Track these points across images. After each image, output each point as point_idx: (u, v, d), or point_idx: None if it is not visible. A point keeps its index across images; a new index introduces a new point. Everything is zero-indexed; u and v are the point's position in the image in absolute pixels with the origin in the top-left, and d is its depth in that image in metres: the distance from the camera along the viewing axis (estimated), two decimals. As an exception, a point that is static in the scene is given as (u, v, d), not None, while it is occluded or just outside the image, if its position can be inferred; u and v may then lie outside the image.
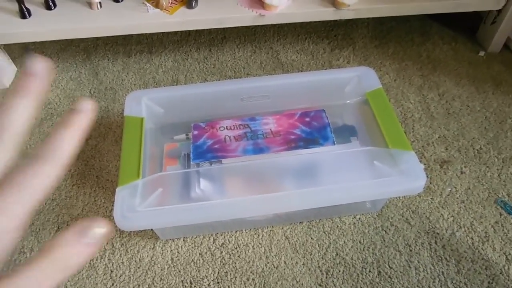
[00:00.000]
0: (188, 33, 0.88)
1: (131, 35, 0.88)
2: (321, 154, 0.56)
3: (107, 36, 0.81)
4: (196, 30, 0.88)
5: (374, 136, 0.57)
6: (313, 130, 0.58)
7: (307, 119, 0.60)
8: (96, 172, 0.67)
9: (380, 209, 0.61)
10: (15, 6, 0.73)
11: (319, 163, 0.56)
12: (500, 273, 0.55)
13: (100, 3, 0.75)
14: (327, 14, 0.74)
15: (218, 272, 0.55)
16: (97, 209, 0.62)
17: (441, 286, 0.54)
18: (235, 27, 0.85)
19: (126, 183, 0.50)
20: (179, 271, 0.56)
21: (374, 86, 0.61)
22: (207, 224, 0.57)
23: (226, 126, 0.59)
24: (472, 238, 0.58)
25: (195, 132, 0.59)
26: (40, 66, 0.23)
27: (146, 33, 0.87)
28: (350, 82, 0.63)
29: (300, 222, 0.60)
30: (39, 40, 0.74)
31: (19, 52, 0.85)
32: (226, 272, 0.55)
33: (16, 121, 0.21)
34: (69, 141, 0.22)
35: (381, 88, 0.61)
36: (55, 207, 0.63)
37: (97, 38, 0.87)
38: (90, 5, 0.75)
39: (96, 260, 0.57)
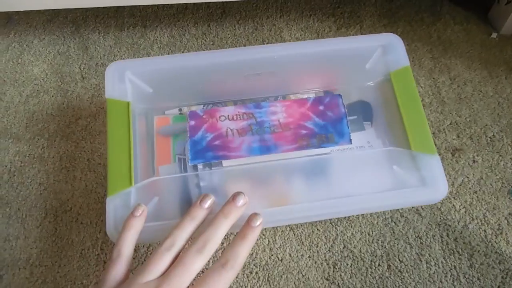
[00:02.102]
0: (185, 7, 0.82)
1: (124, 7, 0.82)
2: (335, 154, 0.51)
3: (98, 8, 0.75)
4: (194, 3, 0.83)
5: (395, 131, 0.51)
6: (327, 123, 0.52)
7: (321, 108, 0.53)
8: (87, 155, 0.62)
9: None
10: (-4, -29, 0.66)
11: (332, 166, 0.50)
12: (514, 267, 0.52)
13: (90, -30, 0.68)
14: (336, -11, 0.69)
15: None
16: (88, 195, 0.58)
17: (453, 281, 0.51)
18: (235, 1, 0.80)
19: (117, 191, 0.44)
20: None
21: (400, 63, 0.52)
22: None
23: (228, 116, 0.52)
24: (485, 231, 0.55)
25: (192, 123, 0.52)
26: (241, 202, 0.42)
27: (140, 5, 0.81)
28: (373, 54, 0.54)
29: (306, 212, 0.56)
30: (23, 9, 0.68)
31: (2, 22, 0.79)
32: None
33: (220, 238, 0.37)
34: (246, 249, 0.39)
35: (408, 66, 0.52)
36: (42, 192, 0.58)
37: (87, 9, 0.81)
38: (79, -28, 0.68)
39: (88, 250, 0.53)
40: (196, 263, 0.36)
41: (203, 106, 0.55)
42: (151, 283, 0.35)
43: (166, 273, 0.36)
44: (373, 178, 0.49)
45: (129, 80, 0.51)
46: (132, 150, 0.47)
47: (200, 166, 0.50)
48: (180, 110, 0.55)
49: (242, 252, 0.38)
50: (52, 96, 0.69)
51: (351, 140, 0.51)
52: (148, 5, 0.81)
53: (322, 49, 0.54)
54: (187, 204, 0.47)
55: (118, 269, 0.37)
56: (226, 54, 0.54)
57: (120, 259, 0.38)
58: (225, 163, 0.50)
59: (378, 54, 0.54)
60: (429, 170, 0.46)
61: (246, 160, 0.50)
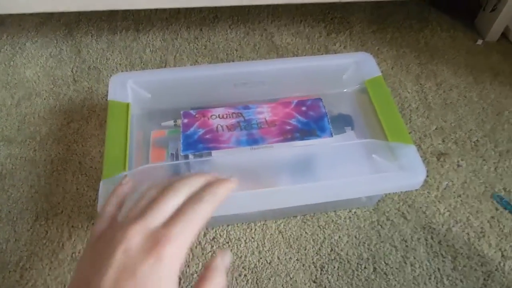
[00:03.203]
0: (177, 11, 0.83)
1: (117, 11, 0.82)
2: (318, 146, 0.54)
3: (91, 11, 0.75)
4: (186, 8, 0.83)
5: (372, 127, 0.55)
6: (309, 121, 0.56)
7: (304, 109, 0.57)
8: (79, 158, 0.63)
9: (376, 203, 0.59)
10: (-11, -25, 0.67)
11: (315, 156, 0.54)
12: (496, 269, 0.54)
13: (82, -26, 0.69)
14: (326, -5, 0.70)
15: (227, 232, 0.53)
16: (80, 198, 0.59)
17: (437, 283, 0.53)
18: (227, 6, 0.81)
19: (111, 175, 0.46)
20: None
21: (373, 73, 0.58)
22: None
23: (218, 115, 0.56)
24: (468, 234, 0.57)
25: (185, 121, 0.55)
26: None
27: (133, 9, 0.82)
28: (349, 69, 0.60)
29: (294, 216, 0.58)
30: (16, 12, 0.69)
31: (-6, 25, 0.79)
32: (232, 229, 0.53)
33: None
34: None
35: (380, 76, 0.58)
36: (33, 195, 0.59)
37: (80, 13, 0.82)
38: (71, -24, 0.69)
39: (79, 253, 0.54)
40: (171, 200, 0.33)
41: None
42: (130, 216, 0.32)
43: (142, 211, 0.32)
44: (355, 166, 0.52)
45: (130, 87, 0.56)
46: (129, 141, 0.50)
47: (191, 157, 0.53)
48: (175, 121, 0.57)
49: (220, 191, 0.35)
50: (44, 99, 0.69)
51: (332, 134, 0.54)
52: (141, 9, 0.81)
53: (305, 65, 0.60)
54: None
55: (103, 221, 0.35)
56: (217, 67, 0.62)
57: (104, 215, 0.35)
58: (214, 153, 0.53)
59: (353, 68, 0.60)
60: (407, 158, 0.49)
61: (234, 150, 0.53)
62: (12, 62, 0.74)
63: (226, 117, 0.56)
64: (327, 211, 0.58)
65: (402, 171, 0.48)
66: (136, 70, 0.74)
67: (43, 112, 0.68)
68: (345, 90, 0.61)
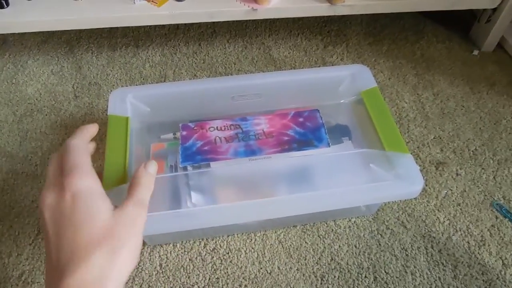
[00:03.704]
0: (176, 27, 0.85)
1: (117, 28, 0.84)
2: (315, 156, 0.54)
3: (91, 28, 0.77)
4: (185, 23, 0.85)
5: (369, 137, 0.55)
6: (307, 131, 0.56)
7: (301, 120, 0.57)
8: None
9: (375, 212, 0.59)
10: (-8, -5, 0.69)
11: (313, 166, 0.54)
12: (497, 278, 0.54)
13: (84, -7, 0.71)
14: (322, 9, 0.71)
15: (209, 278, 0.53)
16: (81, 212, 0.59)
17: (438, 292, 0.53)
18: (225, 21, 0.82)
19: (111, 187, 0.46)
20: (168, 278, 0.53)
21: (369, 85, 0.59)
22: (197, 229, 0.54)
23: (217, 127, 0.56)
24: (468, 242, 0.57)
25: (184, 133, 0.56)
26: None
27: (132, 26, 0.84)
28: (344, 80, 0.61)
29: (293, 226, 0.58)
30: (18, 31, 0.70)
31: (-3, 43, 0.81)
32: (218, 278, 0.53)
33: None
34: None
35: (376, 87, 0.58)
36: (35, 209, 0.59)
37: (80, 30, 0.83)
38: (73, -5, 0.71)
39: (80, 266, 0.54)
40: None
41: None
42: None
43: None
44: (352, 176, 0.52)
45: (130, 102, 0.56)
46: (128, 154, 0.50)
47: (190, 168, 0.53)
48: (174, 134, 0.58)
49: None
50: (46, 115, 0.70)
51: (329, 143, 0.55)
52: (141, 26, 0.83)
53: (301, 77, 0.61)
54: (176, 201, 0.51)
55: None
56: (215, 80, 0.64)
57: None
58: (213, 165, 0.53)
59: (349, 79, 0.60)
60: (404, 167, 0.49)
61: (232, 162, 0.53)
62: (14, 80, 0.76)
63: (224, 129, 0.56)
64: (326, 220, 0.58)
65: (399, 180, 0.48)
66: (136, 85, 0.75)
67: (45, 128, 0.68)
68: (341, 101, 0.61)
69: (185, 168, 0.53)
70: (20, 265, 0.55)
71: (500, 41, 0.82)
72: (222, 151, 0.54)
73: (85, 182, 0.37)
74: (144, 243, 0.55)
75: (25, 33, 0.81)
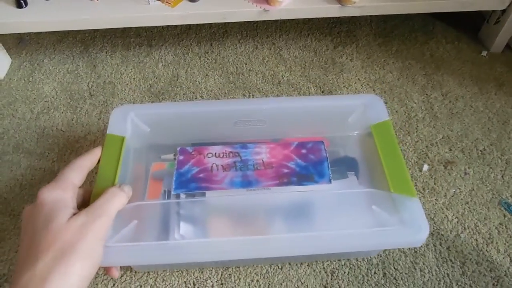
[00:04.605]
0: (189, 27, 0.86)
1: (130, 28, 0.86)
2: (316, 192, 0.52)
3: (106, 28, 0.79)
4: (197, 24, 0.87)
5: (376, 175, 0.52)
6: (308, 164, 0.53)
7: (304, 151, 0.55)
8: (95, 168, 0.65)
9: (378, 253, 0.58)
10: (11, -5, 0.71)
11: (312, 203, 0.51)
12: (505, 275, 0.55)
13: (99, -6, 0.72)
14: (333, 10, 0.73)
15: (222, 274, 0.54)
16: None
17: (446, 288, 0.54)
18: (237, 22, 0.83)
19: None
20: (182, 273, 0.55)
21: (381, 117, 0.55)
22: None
23: (215, 153, 0.55)
24: (476, 240, 0.58)
25: (181, 158, 0.54)
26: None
27: (146, 26, 0.85)
28: (355, 111, 0.57)
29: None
30: (36, 31, 0.72)
31: (14, 42, 0.83)
32: (230, 274, 0.54)
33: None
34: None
35: (388, 121, 0.55)
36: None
37: (95, 30, 0.85)
38: (89, -5, 0.73)
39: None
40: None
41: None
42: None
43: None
44: (353, 217, 0.49)
45: (131, 120, 0.55)
46: (119, 177, 0.49)
47: (183, 196, 0.52)
48: (174, 154, 0.56)
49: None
50: (62, 112, 0.72)
51: (331, 180, 0.52)
52: (154, 26, 0.85)
53: (310, 104, 0.58)
54: (164, 230, 0.49)
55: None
56: (218, 103, 0.63)
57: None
58: (208, 194, 0.51)
59: (360, 110, 0.57)
60: (409, 212, 0.46)
61: (227, 192, 0.51)
62: (31, 78, 0.77)
63: (223, 156, 0.54)
64: (324, 260, 0.56)
65: (403, 226, 0.45)
66: (149, 84, 0.76)
67: (61, 125, 0.70)
68: (350, 134, 0.58)
69: (177, 196, 0.51)
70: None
71: (508, 42, 0.82)
72: (218, 180, 0.52)
73: (54, 193, 0.40)
74: (131, 269, 0.55)
75: (41, 32, 0.83)
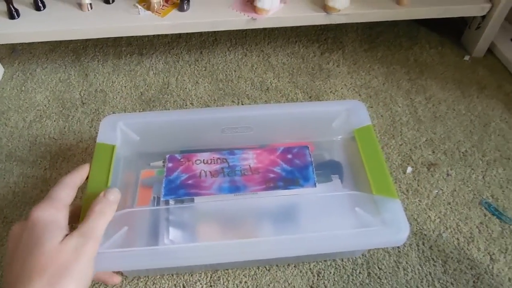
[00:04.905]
0: (179, 35, 0.88)
1: (121, 37, 0.87)
2: (301, 196, 0.54)
3: (97, 38, 0.80)
4: (187, 32, 0.88)
5: (359, 178, 0.55)
6: (294, 169, 0.55)
7: (289, 156, 0.57)
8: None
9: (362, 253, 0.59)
10: (3, 6, 0.72)
11: (298, 206, 0.54)
12: (485, 272, 0.56)
13: (90, 4, 0.74)
14: (318, 18, 0.75)
15: (211, 277, 0.56)
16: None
17: (428, 286, 0.55)
18: (226, 30, 0.85)
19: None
20: (172, 276, 0.56)
21: (363, 122, 0.57)
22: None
23: (203, 160, 0.56)
24: (458, 239, 0.60)
25: (170, 165, 0.56)
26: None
27: (136, 35, 0.87)
28: (339, 116, 0.60)
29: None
30: (28, 41, 0.74)
31: (7, 52, 0.84)
32: (219, 276, 0.56)
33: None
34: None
35: (370, 125, 0.57)
36: (45, 211, 0.62)
37: (87, 39, 0.87)
38: (80, 6, 0.74)
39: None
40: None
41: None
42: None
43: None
44: (337, 219, 0.51)
45: (120, 129, 0.57)
46: (110, 184, 0.50)
47: (172, 202, 0.53)
48: (163, 162, 0.57)
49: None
50: (54, 121, 0.74)
51: (316, 183, 0.54)
52: (144, 35, 0.86)
53: (295, 110, 0.61)
54: (154, 236, 0.51)
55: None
56: (206, 111, 0.64)
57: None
58: (197, 199, 0.53)
59: (343, 115, 0.59)
60: (391, 213, 0.48)
61: (215, 197, 0.53)
62: (23, 87, 0.79)
63: (211, 162, 0.56)
64: (310, 261, 0.58)
65: (385, 227, 0.47)
66: (140, 92, 0.78)
67: (53, 133, 0.72)
68: (334, 138, 0.61)
69: (167, 202, 0.53)
70: (32, 264, 0.57)
71: (490, 46, 0.85)
72: (206, 186, 0.53)
73: (46, 213, 0.40)
74: (121, 274, 0.56)
75: (33, 42, 0.84)
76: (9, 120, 0.74)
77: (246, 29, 0.89)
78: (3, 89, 0.79)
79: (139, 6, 0.74)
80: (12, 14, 0.72)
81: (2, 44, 0.79)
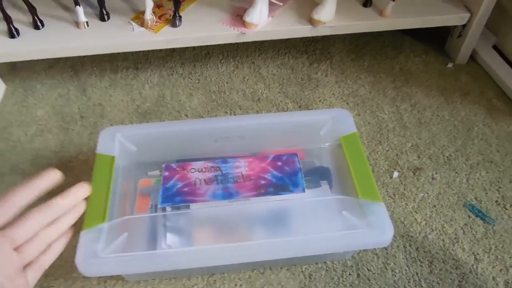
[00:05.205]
0: (172, 50, 0.91)
1: (117, 52, 0.90)
2: (291, 201, 0.57)
3: (94, 54, 0.83)
4: (181, 47, 0.92)
5: (345, 183, 0.58)
6: (284, 175, 0.58)
7: (279, 163, 0.60)
8: (87, 187, 0.69)
9: (351, 255, 0.62)
10: (4, 26, 0.75)
11: (288, 211, 0.57)
12: (470, 271, 0.59)
13: (87, 22, 0.77)
14: (305, 31, 0.78)
15: (208, 280, 0.58)
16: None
17: (415, 286, 0.58)
18: (217, 44, 0.88)
19: (91, 226, 0.50)
20: (170, 281, 0.58)
21: (349, 130, 0.61)
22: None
23: (198, 168, 0.59)
24: (443, 240, 0.62)
25: (166, 173, 0.59)
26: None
27: (132, 51, 0.90)
28: (326, 124, 0.63)
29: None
30: (28, 58, 0.77)
31: (7, 70, 0.87)
32: (215, 280, 0.58)
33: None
34: None
35: (355, 133, 0.60)
36: (47, 222, 0.65)
37: (84, 55, 0.90)
38: (77, 24, 0.77)
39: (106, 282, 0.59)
40: None
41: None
42: None
43: None
44: (326, 222, 0.54)
45: (118, 141, 0.60)
46: (111, 193, 0.53)
47: (169, 209, 0.56)
48: (160, 171, 0.60)
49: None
50: (55, 134, 0.76)
51: (304, 189, 0.57)
52: (139, 50, 0.89)
53: (284, 119, 0.64)
54: (153, 241, 0.54)
55: None
56: (199, 122, 0.67)
57: None
58: (192, 206, 0.56)
59: (330, 124, 0.62)
60: (376, 215, 0.51)
61: (210, 204, 0.56)
62: (24, 103, 0.82)
63: (205, 170, 0.59)
64: (302, 264, 0.60)
65: (370, 229, 0.50)
66: (137, 105, 0.81)
67: (54, 146, 0.74)
68: (322, 146, 0.64)
69: (164, 209, 0.56)
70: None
71: (472, 54, 0.88)
72: (201, 193, 0.56)
73: None
74: (122, 279, 0.58)
75: (33, 59, 0.87)
76: (12, 134, 0.76)
77: (238, 43, 0.92)
78: (5, 105, 0.81)
79: (133, 23, 0.78)
80: (12, 33, 0.75)
81: (3, 62, 0.81)
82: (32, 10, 0.75)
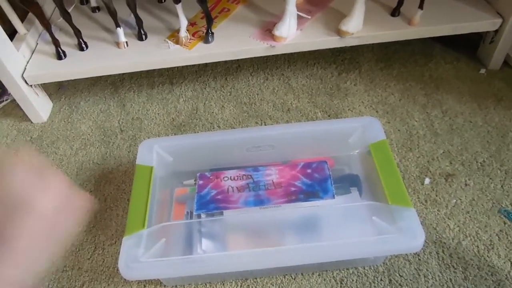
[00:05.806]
0: (205, 65, 0.96)
1: (154, 69, 0.95)
2: (322, 207, 0.58)
3: (132, 71, 0.89)
4: (213, 61, 0.96)
5: (375, 189, 0.59)
6: (314, 182, 0.60)
7: (309, 171, 0.62)
8: (127, 196, 0.73)
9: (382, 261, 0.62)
10: (52, 49, 0.82)
11: (318, 217, 0.58)
12: (506, 278, 0.58)
13: (126, 42, 0.83)
14: (333, 42, 0.80)
15: (241, 285, 0.60)
16: (129, 230, 0.68)
17: (449, 292, 0.58)
18: (248, 57, 0.92)
19: (132, 232, 0.54)
20: (205, 285, 0.61)
21: (378, 137, 0.62)
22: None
23: (230, 177, 0.62)
24: (477, 246, 0.62)
25: (200, 182, 0.62)
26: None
27: (167, 67, 0.95)
28: (355, 132, 0.64)
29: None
30: (74, 78, 0.83)
31: (54, 89, 0.94)
32: (248, 285, 0.60)
33: None
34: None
35: (385, 140, 0.61)
36: (91, 229, 0.69)
37: (123, 73, 0.95)
38: (117, 44, 0.83)
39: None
40: None
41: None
42: None
43: None
44: (356, 228, 0.55)
45: (156, 152, 0.64)
46: (149, 202, 0.57)
47: (203, 216, 0.59)
48: (195, 180, 0.63)
49: None
50: (97, 147, 0.82)
51: (334, 195, 0.58)
52: (174, 66, 0.94)
53: (314, 128, 0.66)
54: (188, 247, 0.56)
55: None
56: (231, 133, 0.71)
57: None
58: (226, 213, 0.58)
59: (359, 131, 0.64)
60: (406, 221, 0.52)
61: (242, 210, 0.58)
62: (70, 119, 0.88)
63: (237, 178, 0.62)
64: (333, 269, 0.61)
65: (401, 234, 0.51)
66: (170, 120, 0.85)
67: (97, 159, 0.79)
68: (351, 153, 0.65)
69: (199, 216, 0.59)
70: (81, 277, 0.64)
71: (506, 59, 0.87)
72: (234, 200, 0.59)
73: None
74: (160, 283, 0.61)
75: (77, 78, 0.93)
76: (58, 148, 0.82)
77: (268, 55, 0.95)
78: (52, 122, 0.88)
79: (169, 41, 0.82)
80: (60, 55, 0.81)
81: (51, 82, 0.88)
82: (78, 33, 0.81)
